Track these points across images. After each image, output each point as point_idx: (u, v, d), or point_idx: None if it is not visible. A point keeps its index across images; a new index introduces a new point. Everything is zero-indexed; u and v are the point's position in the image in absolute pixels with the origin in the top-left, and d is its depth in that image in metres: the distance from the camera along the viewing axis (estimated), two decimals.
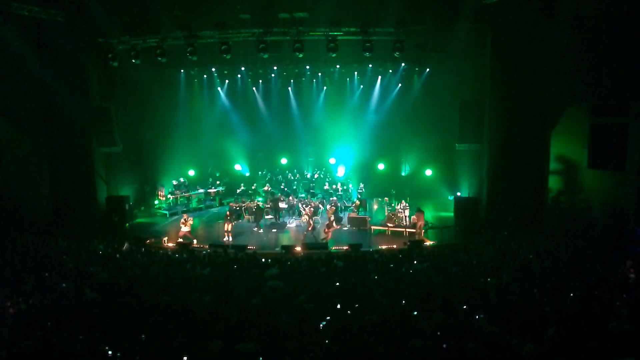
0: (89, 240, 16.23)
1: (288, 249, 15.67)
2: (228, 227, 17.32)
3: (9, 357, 7.19)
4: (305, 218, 18.55)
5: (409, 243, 15.66)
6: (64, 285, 10.58)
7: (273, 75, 23.64)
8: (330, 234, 16.97)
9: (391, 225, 18.07)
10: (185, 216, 17.52)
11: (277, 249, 16.02)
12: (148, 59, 18.22)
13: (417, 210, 17.50)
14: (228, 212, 18.04)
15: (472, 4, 16.38)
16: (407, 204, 18.77)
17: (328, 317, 8.54)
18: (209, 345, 7.35)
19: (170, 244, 16.65)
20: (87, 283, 10.74)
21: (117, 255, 13.92)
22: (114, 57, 17.99)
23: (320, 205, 20.66)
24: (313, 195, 22.60)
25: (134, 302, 9.72)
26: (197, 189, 23.55)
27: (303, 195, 22.73)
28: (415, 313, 8.63)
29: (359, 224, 18.77)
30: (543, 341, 7.12)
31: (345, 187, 23.28)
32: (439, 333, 7.58)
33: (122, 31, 17.75)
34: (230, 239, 17.16)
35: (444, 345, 7.26)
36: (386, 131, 23.72)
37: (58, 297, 9.89)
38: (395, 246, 15.91)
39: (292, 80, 24.33)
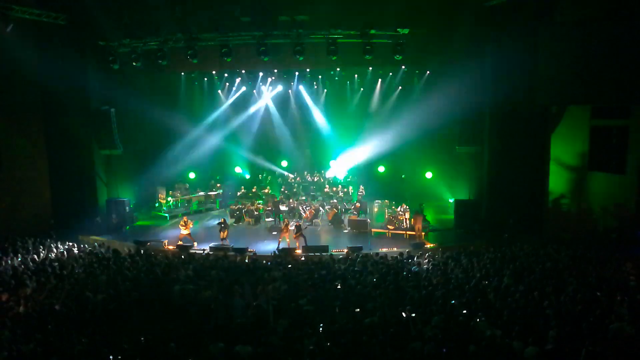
0: (89, 243, 16.26)
1: (289, 251, 15.67)
2: (223, 234, 17.17)
3: None
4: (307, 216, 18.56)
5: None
6: (64, 287, 10.59)
7: (273, 78, 23.67)
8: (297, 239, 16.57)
9: (391, 227, 18.06)
10: (185, 218, 17.48)
11: (278, 251, 16.01)
12: (149, 61, 18.23)
13: (415, 212, 17.49)
14: (222, 220, 17.69)
15: (473, 6, 16.42)
16: (407, 207, 18.77)
17: (328, 320, 8.53)
18: (210, 348, 7.35)
19: (171, 247, 16.65)
20: (87, 286, 10.75)
21: (117, 258, 13.89)
22: (114, 60, 18.01)
23: (321, 208, 20.67)
24: (313, 197, 22.59)
25: (134, 305, 9.72)
26: (198, 192, 23.55)
27: (303, 197, 22.73)
28: (415, 315, 8.62)
29: (359, 226, 18.74)
30: (544, 344, 7.11)
31: (345, 190, 23.27)
32: (439, 336, 7.57)
33: (122, 34, 17.78)
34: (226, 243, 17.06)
35: (444, 349, 7.25)
36: (386, 133, 23.70)
37: (58, 300, 9.89)
38: (395, 249, 15.90)
39: (292, 83, 24.35)
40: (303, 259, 14.86)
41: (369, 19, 16.82)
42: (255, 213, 20.42)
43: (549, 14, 15.73)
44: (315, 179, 24.80)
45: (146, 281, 11.32)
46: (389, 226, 18.19)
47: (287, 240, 16.65)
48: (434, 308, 8.93)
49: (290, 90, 24.94)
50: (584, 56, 14.64)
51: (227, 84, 24.27)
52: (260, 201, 22.26)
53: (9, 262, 12.88)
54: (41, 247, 14.86)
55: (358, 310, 9.03)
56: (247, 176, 26.21)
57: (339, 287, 10.78)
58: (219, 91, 24.49)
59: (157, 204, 22.83)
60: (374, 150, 24.25)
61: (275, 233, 18.42)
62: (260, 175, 25.73)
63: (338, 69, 22.53)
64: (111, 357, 7.26)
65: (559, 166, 17.09)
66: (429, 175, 23.18)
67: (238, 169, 26.22)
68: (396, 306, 9.17)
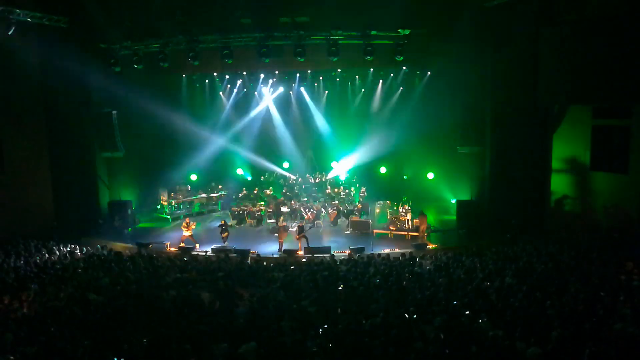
0: (91, 245, 16.28)
1: (290, 253, 15.67)
2: (224, 236, 17.08)
3: None
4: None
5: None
6: (66, 290, 10.60)
7: (274, 79, 23.70)
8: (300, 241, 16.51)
9: (393, 228, 18.05)
10: (187, 220, 17.49)
11: (279, 253, 16.01)
12: (150, 64, 18.28)
13: (420, 213, 17.47)
14: (222, 222, 17.66)
15: (474, 7, 16.41)
16: (409, 208, 18.74)
17: (330, 321, 8.52)
18: (213, 349, 7.34)
19: (173, 249, 16.66)
20: (89, 288, 10.76)
21: (119, 260, 13.91)
22: (116, 63, 18.04)
23: (323, 209, 20.66)
24: (315, 199, 22.59)
25: (136, 307, 9.72)
26: (199, 194, 23.57)
27: (305, 199, 22.73)
28: (416, 317, 8.61)
29: (361, 227, 18.73)
30: (546, 344, 7.09)
31: (347, 191, 23.26)
32: (441, 336, 7.56)
33: (124, 37, 17.82)
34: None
35: (447, 350, 7.24)
36: (388, 134, 23.71)
37: (61, 302, 9.90)
38: (397, 250, 15.89)
39: (293, 84, 24.38)
40: (305, 260, 14.85)
41: (370, 20, 16.84)
42: (257, 214, 20.43)
43: (549, 14, 15.71)
44: (317, 180, 24.80)
45: (148, 283, 11.33)
46: (391, 227, 18.17)
47: (281, 241, 16.61)
48: (436, 309, 8.92)
49: (291, 92, 24.98)
50: (585, 56, 14.60)
51: (229, 85, 24.32)
52: (262, 203, 22.27)
53: (12, 264, 12.90)
54: (43, 249, 14.88)
55: (360, 311, 9.02)
56: (249, 178, 26.25)
57: (341, 288, 10.77)
58: (221, 93, 24.54)
59: (159, 206, 22.86)
60: (376, 151, 24.28)
61: (277, 235, 18.41)
62: (262, 177, 25.75)
63: (339, 70, 22.56)
64: (115, 359, 7.26)
65: (561, 166, 17.06)
66: (430, 175, 23.18)
67: (240, 171, 26.24)
68: (399, 307, 9.17)
